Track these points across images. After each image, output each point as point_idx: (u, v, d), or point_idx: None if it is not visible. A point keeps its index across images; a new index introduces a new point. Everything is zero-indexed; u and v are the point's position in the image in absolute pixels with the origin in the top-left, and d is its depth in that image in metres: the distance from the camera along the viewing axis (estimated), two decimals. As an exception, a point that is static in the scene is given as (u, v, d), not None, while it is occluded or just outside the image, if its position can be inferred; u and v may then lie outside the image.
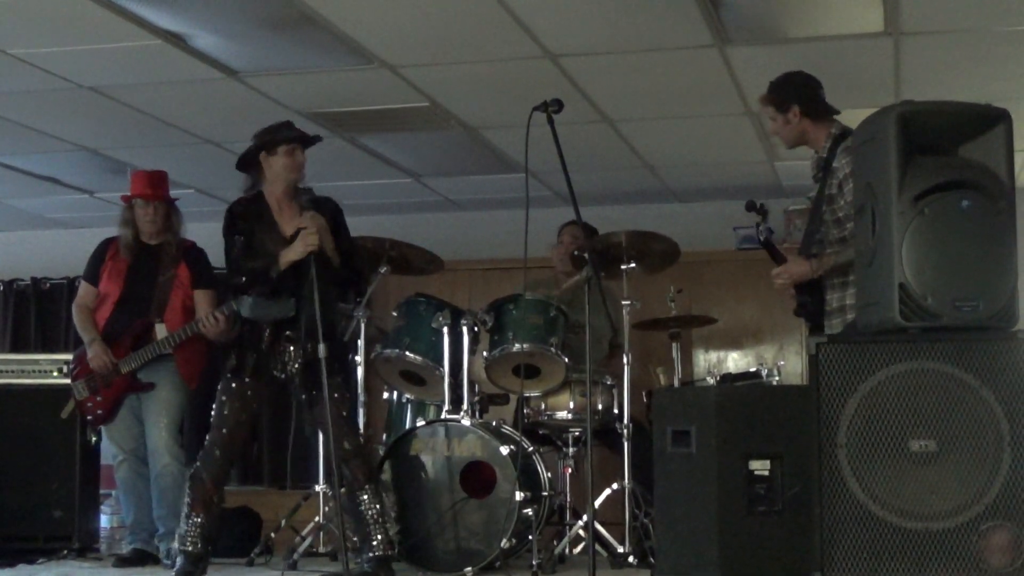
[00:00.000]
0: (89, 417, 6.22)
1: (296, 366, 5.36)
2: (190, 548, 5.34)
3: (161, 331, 6.08)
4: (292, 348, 5.36)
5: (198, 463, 5.42)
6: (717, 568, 4.50)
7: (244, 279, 5.32)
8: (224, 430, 5.36)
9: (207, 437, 5.42)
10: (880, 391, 4.16)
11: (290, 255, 5.24)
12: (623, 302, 5.99)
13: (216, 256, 6.35)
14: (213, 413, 5.40)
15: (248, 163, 5.48)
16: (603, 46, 5.87)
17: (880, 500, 4.12)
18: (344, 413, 5.31)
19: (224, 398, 5.37)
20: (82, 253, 6.38)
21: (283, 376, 5.40)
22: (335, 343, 5.41)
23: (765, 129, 7.05)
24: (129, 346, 6.06)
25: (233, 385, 5.36)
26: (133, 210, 6.20)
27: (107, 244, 6.30)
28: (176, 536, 5.43)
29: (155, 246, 6.20)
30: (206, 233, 6.64)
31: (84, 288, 6.29)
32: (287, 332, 5.35)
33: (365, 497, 5.31)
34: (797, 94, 5.23)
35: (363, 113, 6.91)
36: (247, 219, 5.39)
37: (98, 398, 6.12)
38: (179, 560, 5.34)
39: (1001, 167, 4.23)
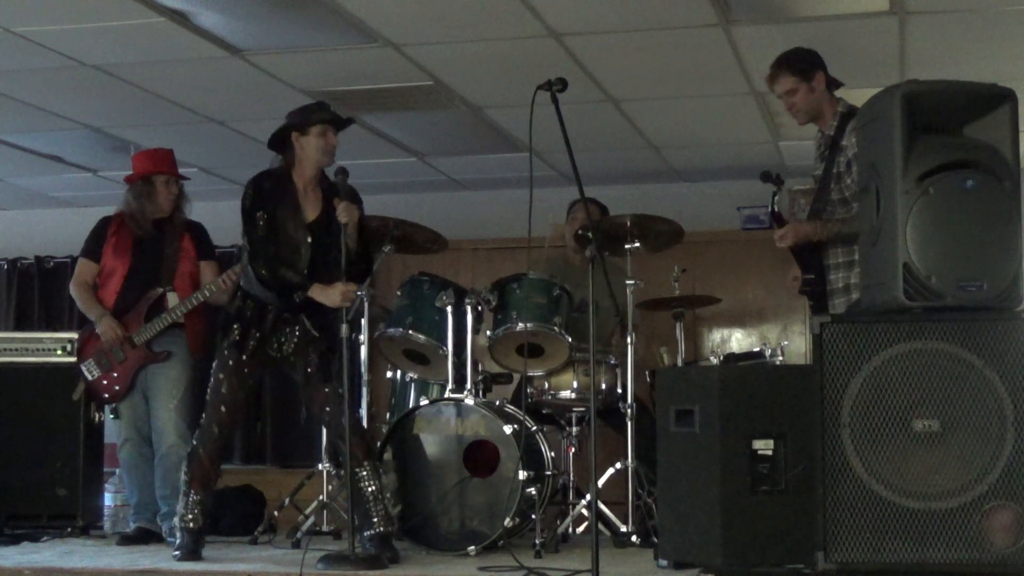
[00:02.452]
0: (106, 395, 6.18)
1: (291, 346, 5.38)
2: (191, 525, 5.37)
3: (173, 299, 6.08)
4: (288, 328, 5.38)
5: (195, 441, 5.43)
6: (720, 547, 4.51)
7: (270, 277, 5.28)
8: (222, 408, 5.37)
9: (203, 415, 5.43)
10: (884, 371, 4.17)
11: (322, 297, 5.23)
12: (627, 281, 5.98)
13: (215, 233, 6.39)
14: (210, 391, 5.40)
15: (279, 142, 5.42)
16: (607, 25, 5.85)
17: (883, 480, 4.13)
18: (340, 391, 5.30)
19: (221, 375, 5.37)
20: (85, 232, 6.35)
21: (278, 355, 5.41)
22: (328, 322, 5.41)
23: (770, 108, 7.06)
24: (143, 316, 6.06)
25: (230, 363, 5.36)
26: (153, 185, 6.17)
27: (107, 221, 6.28)
28: (176, 514, 5.45)
29: (158, 221, 6.18)
30: (210, 212, 6.65)
31: (85, 265, 6.24)
32: (285, 313, 5.37)
33: (364, 474, 5.32)
34: (820, 62, 5.23)
35: (367, 92, 6.89)
36: (272, 197, 5.33)
37: (114, 374, 6.12)
38: (180, 535, 5.37)
39: (1006, 147, 4.23)
